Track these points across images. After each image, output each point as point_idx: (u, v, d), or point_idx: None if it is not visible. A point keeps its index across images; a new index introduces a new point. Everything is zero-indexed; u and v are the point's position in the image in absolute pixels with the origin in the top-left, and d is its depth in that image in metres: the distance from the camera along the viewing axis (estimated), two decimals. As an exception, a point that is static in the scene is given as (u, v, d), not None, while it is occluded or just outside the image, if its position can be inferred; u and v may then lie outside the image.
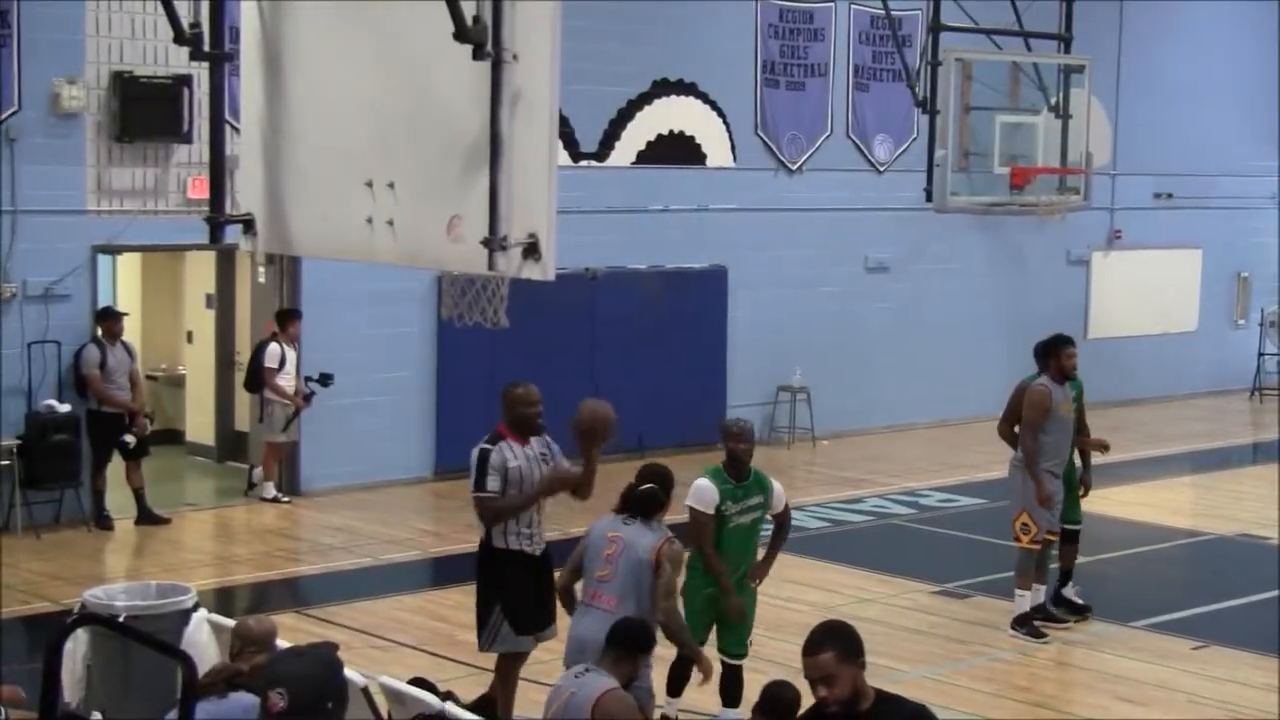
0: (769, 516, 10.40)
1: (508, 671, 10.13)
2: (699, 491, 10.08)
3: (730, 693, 10.29)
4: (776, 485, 10.42)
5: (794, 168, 20.79)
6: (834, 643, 5.60)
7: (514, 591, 9.90)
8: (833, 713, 5.61)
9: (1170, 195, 24.52)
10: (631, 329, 19.31)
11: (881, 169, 21.50)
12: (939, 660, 12.11)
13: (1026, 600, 12.74)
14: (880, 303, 21.69)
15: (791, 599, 12.96)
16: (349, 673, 5.73)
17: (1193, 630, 13.00)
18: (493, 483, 9.78)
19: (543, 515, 10.04)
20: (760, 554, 10.50)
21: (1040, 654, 12.46)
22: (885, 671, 10.74)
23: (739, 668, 10.32)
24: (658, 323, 19.55)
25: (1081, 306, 23.97)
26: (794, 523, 16.26)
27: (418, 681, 9.50)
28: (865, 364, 21.39)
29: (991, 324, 22.53)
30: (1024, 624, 12.71)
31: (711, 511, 10.02)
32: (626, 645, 7.62)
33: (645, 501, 9.20)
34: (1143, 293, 24.62)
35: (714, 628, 10.23)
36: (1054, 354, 12.80)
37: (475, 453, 9.83)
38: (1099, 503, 16.18)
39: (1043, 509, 12.59)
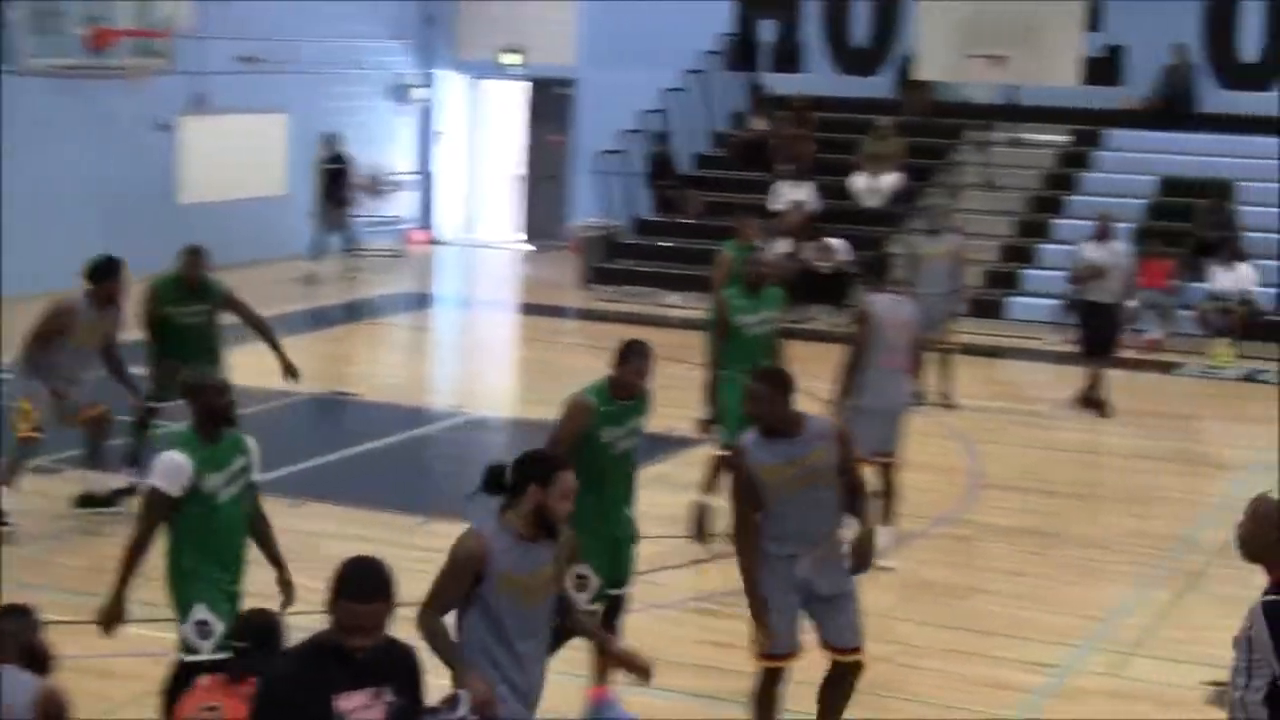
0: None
1: None
2: (168, 468, 7.78)
3: None
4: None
5: None
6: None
7: None
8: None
9: (256, 59, 24.61)
10: None
11: (-51, 30, 20.28)
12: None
13: None
14: (-42, 171, 20.54)
15: None
16: None
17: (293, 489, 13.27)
18: None
19: None
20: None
21: None
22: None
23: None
24: None
25: (170, 172, 23.75)
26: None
27: None
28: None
29: (79, 191, 21.89)
30: None
31: (177, 494, 7.73)
32: None
33: None
34: (232, 157, 24.68)
35: None
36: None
37: None
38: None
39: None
